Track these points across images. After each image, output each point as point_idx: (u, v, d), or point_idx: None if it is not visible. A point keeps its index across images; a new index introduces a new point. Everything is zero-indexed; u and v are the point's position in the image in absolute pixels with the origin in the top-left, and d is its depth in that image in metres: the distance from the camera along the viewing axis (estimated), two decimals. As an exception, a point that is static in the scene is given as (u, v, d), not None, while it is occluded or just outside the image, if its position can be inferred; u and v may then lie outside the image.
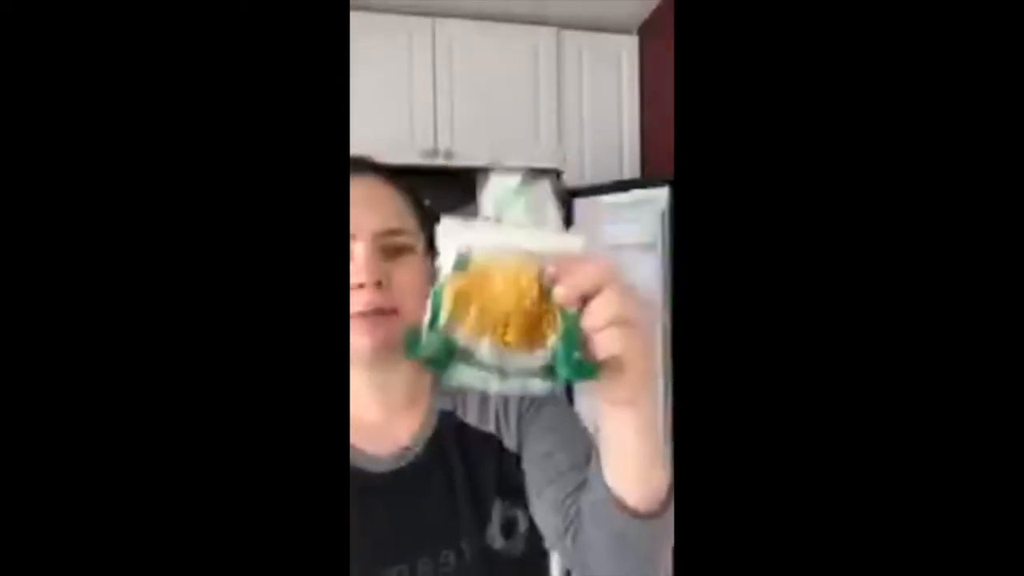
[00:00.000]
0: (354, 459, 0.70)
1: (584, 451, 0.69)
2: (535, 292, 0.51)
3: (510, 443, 0.75)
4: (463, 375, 0.51)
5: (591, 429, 0.72)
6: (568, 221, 2.31)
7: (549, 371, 0.51)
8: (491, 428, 0.76)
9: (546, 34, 2.42)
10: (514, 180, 0.56)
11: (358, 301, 0.65)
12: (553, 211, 0.55)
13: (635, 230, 1.97)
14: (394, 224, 0.68)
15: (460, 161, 2.32)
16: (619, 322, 0.50)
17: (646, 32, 2.52)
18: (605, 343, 0.50)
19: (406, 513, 0.70)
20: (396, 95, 2.26)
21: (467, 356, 0.51)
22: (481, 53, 2.35)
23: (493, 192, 0.57)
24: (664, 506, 0.59)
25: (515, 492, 0.74)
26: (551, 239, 0.53)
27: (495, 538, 0.72)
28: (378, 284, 0.65)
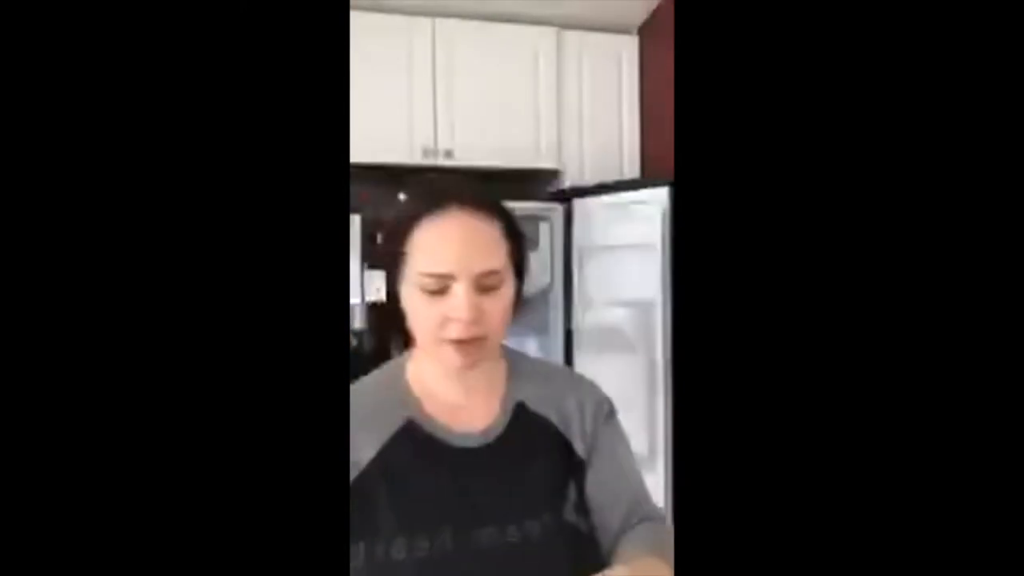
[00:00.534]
0: (446, 436, 0.80)
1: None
2: None
3: (579, 444, 0.84)
4: None
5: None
6: (568, 221, 2.31)
7: None
8: (558, 421, 0.84)
9: (546, 34, 2.42)
10: None
11: (456, 330, 0.74)
12: None
13: (635, 230, 1.97)
14: (493, 265, 0.75)
15: (460, 161, 2.32)
16: None
17: (646, 32, 2.52)
18: None
19: (493, 484, 0.79)
20: (396, 95, 2.26)
21: None
22: (481, 53, 2.35)
23: None
24: None
25: (580, 475, 0.83)
26: None
27: (571, 514, 0.80)
28: (473, 319, 0.73)
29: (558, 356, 2.26)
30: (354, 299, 2.05)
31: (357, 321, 2.06)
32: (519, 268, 0.80)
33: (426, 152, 2.28)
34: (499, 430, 0.82)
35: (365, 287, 2.06)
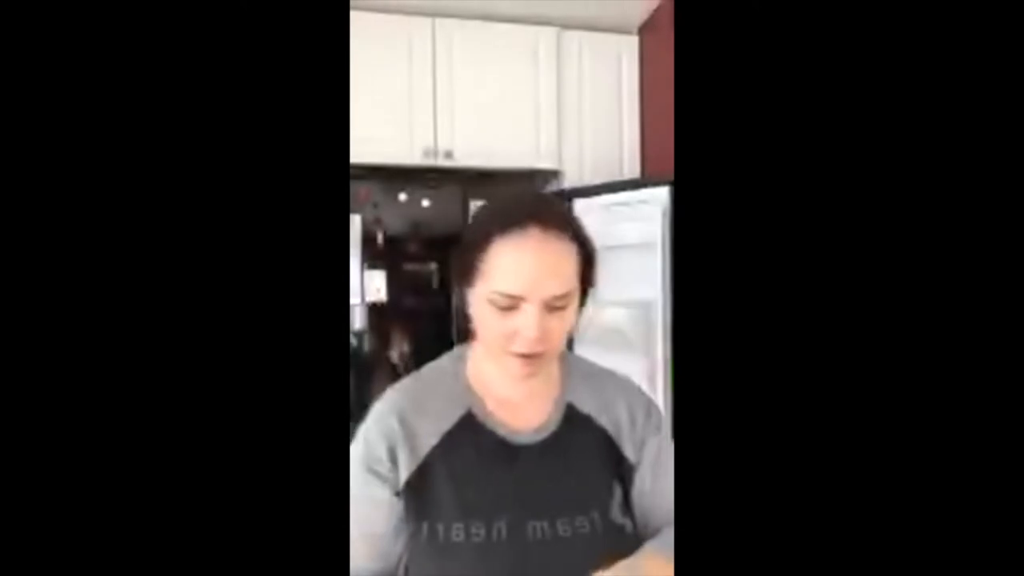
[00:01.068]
0: (502, 431, 0.84)
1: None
2: None
3: (629, 449, 0.87)
4: None
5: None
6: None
7: None
8: (608, 424, 0.87)
9: (546, 34, 2.42)
10: None
11: (522, 345, 0.77)
12: None
13: (635, 230, 1.97)
14: (564, 289, 0.77)
15: (460, 161, 2.31)
16: None
17: (646, 32, 2.52)
18: None
19: (544, 480, 0.82)
20: (396, 95, 2.26)
21: None
22: (481, 53, 2.34)
23: None
24: None
25: (628, 479, 0.86)
26: None
27: (617, 514, 0.83)
28: (540, 339, 0.76)
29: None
30: (354, 299, 2.05)
31: (357, 321, 2.06)
32: (585, 287, 0.82)
33: (426, 152, 2.28)
34: (551, 429, 0.85)
35: (365, 287, 2.06)
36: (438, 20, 2.31)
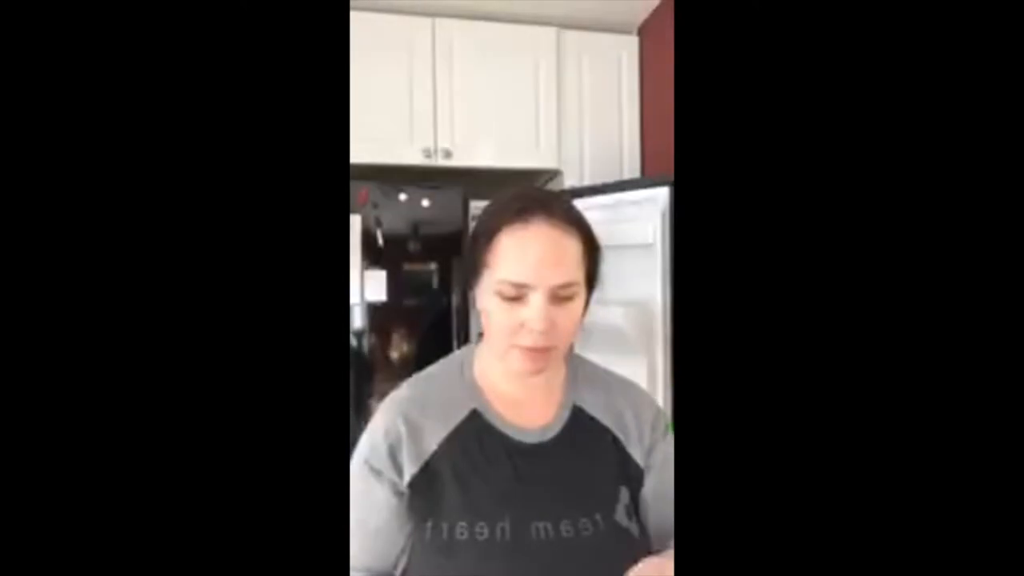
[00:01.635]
0: (507, 431, 0.84)
1: None
2: None
3: (636, 452, 0.86)
4: None
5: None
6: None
7: None
8: (614, 427, 0.87)
9: (546, 34, 2.42)
10: None
11: (529, 338, 0.77)
12: None
13: (635, 230, 1.97)
14: (570, 278, 0.78)
15: (460, 161, 2.31)
16: None
17: (646, 32, 2.52)
18: None
19: (549, 480, 0.81)
20: (396, 95, 2.26)
21: None
22: (481, 53, 2.34)
23: None
24: None
25: (635, 482, 0.85)
26: None
27: (622, 517, 0.82)
28: (546, 329, 0.76)
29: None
30: (354, 299, 2.05)
31: (357, 321, 2.06)
32: (591, 280, 0.83)
33: (426, 152, 2.28)
34: (556, 430, 0.85)
35: (365, 287, 2.06)
36: (438, 20, 2.31)
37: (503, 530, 0.78)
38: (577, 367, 0.91)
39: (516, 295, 0.76)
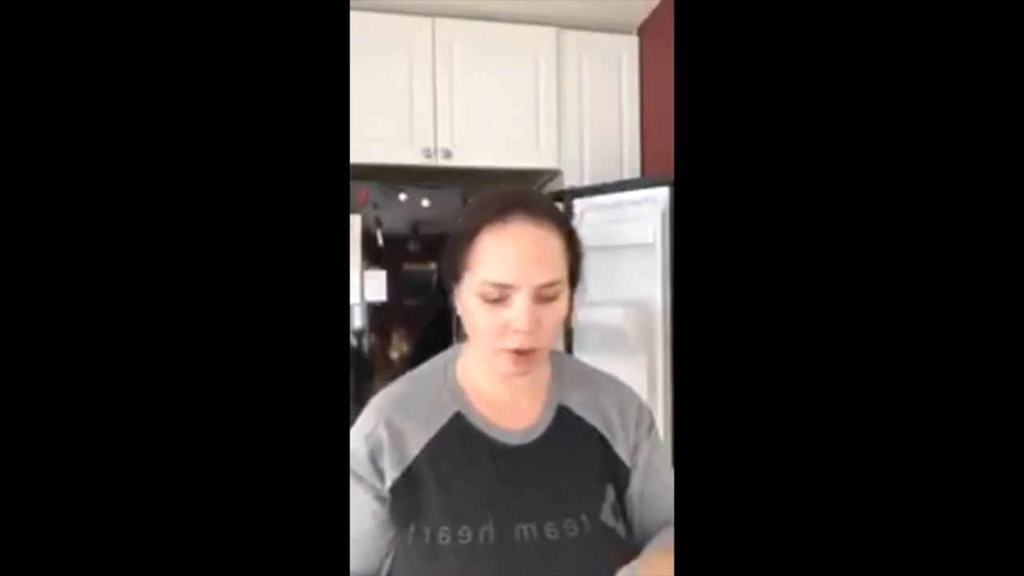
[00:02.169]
0: (491, 432, 0.82)
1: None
2: None
3: (623, 450, 0.86)
4: None
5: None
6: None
7: None
8: (600, 426, 0.86)
9: (546, 34, 2.42)
10: None
11: (515, 341, 0.76)
12: None
13: (635, 230, 1.97)
14: (553, 277, 0.76)
15: (460, 161, 2.31)
16: None
17: (646, 32, 2.52)
18: None
19: (534, 482, 0.80)
20: (396, 95, 2.26)
21: None
22: (481, 53, 2.34)
23: None
24: None
25: (621, 481, 0.84)
26: None
27: (608, 517, 0.81)
28: (531, 330, 0.75)
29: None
30: (354, 299, 2.05)
31: (357, 321, 2.06)
32: (574, 278, 0.81)
33: (426, 152, 2.28)
34: (541, 430, 0.84)
35: (365, 287, 2.06)
36: (438, 20, 2.31)
37: (487, 533, 0.76)
38: (562, 366, 0.90)
39: (499, 296, 0.75)
